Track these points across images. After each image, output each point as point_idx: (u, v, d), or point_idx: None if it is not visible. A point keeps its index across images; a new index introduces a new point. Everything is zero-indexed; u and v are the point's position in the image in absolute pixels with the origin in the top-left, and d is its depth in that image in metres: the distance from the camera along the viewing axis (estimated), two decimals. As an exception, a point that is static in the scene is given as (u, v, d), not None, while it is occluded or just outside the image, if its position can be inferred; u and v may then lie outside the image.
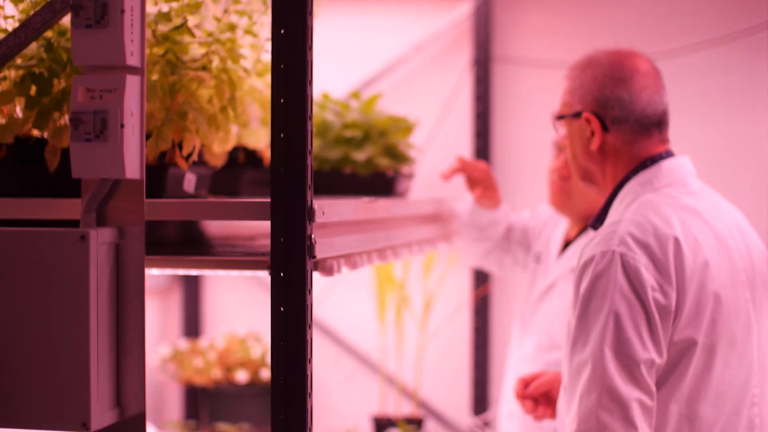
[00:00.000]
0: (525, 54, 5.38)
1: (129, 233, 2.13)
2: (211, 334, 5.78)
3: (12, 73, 2.40)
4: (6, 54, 2.20)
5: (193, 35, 2.35)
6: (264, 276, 2.77)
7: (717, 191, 2.68)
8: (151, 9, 2.43)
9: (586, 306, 2.37)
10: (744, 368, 2.48)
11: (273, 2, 2.10)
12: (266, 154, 3.06)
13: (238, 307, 5.70)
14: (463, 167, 3.58)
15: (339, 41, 5.55)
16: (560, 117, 2.64)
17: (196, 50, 2.48)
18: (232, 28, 2.52)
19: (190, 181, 2.54)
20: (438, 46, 5.50)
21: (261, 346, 5.37)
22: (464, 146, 5.30)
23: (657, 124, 2.57)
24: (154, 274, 3.26)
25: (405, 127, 3.63)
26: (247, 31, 2.55)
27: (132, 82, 2.07)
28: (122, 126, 2.05)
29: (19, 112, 2.44)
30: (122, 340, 2.14)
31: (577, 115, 2.57)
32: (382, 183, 3.53)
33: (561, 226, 3.43)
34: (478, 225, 3.58)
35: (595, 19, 5.26)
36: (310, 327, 2.12)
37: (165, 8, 2.37)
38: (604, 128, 2.54)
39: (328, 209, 2.23)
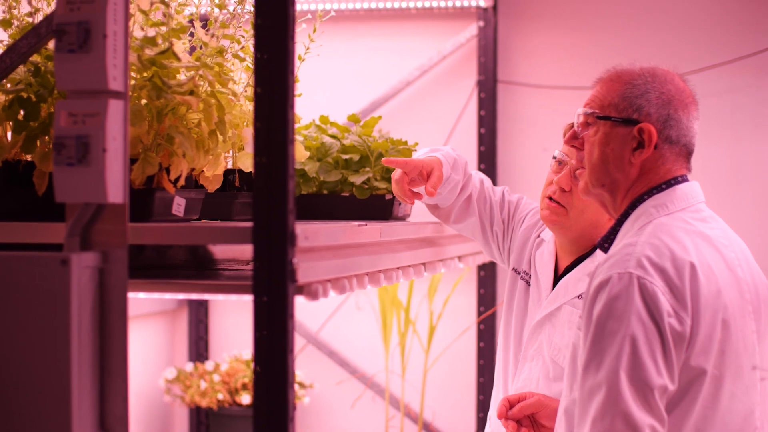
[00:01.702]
0: (529, 76, 5.39)
1: (112, 257, 2.13)
2: (218, 357, 5.79)
3: (1, 97, 2.41)
4: (-8, 79, 2.21)
5: (178, 59, 2.35)
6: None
7: (722, 211, 2.66)
8: (138, 33, 2.44)
9: (602, 328, 2.33)
10: (749, 399, 2.46)
11: (255, 27, 2.10)
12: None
13: (245, 329, 5.71)
14: (403, 173, 3.20)
15: (346, 64, 5.58)
16: (604, 117, 2.52)
17: (185, 74, 2.49)
18: (220, 52, 2.52)
19: (179, 205, 2.54)
20: (443, 68, 5.52)
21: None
22: (470, 167, 5.29)
23: (691, 153, 2.55)
24: (156, 297, 3.26)
25: (404, 150, 3.62)
26: (235, 56, 2.56)
27: (115, 107, 2.08)
28: (104, 150, 2.06)
29: (9, 136, 2.46)
30: (106, 363, 2.14)
31: (628, 121, 2.49)
32: (380, 206, 3.51)
33: (544, 247, 3.36)
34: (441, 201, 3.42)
35: (599, 43, 5.26)
36: (292, 352, 2.12)
37: (151, 33, 2.38)
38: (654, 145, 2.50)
39: (311, 234, 2.23)
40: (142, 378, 5.52)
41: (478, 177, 3.47)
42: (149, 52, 2.35)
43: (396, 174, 3.20)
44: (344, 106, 5.26)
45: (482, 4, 5.26)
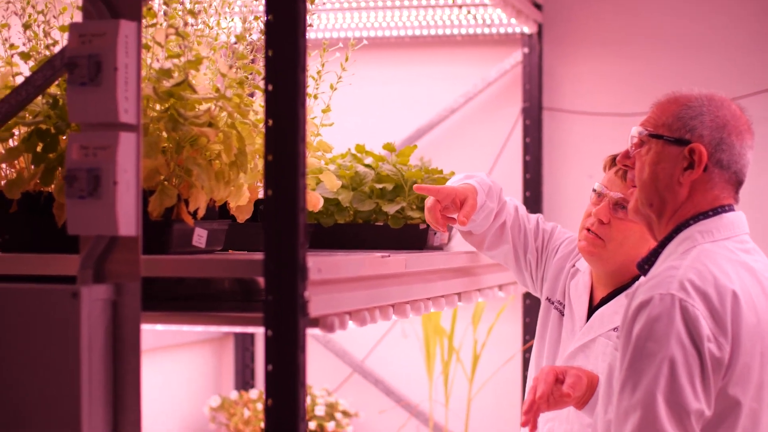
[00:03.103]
0: (574, 103, 5.36)
1: (126, 289, 2.13)
2: (262, 386, 5.79)
3: (20, 129, 2.43)
4: (8, 111, 2.22)
5: (194, 91, 2.35)
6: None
7: (765, 245, 2.63)
8: (158, 65, 2.45)
9: (640, 349, 2.31)
10: None
11: (265, 59, 2.09)
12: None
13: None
14: (435, 201, 3.18)
15: (391, 91, 5.57)
16: (656, 135, 2.52)
17: (205, 106, 2.49)
18: (241, 83, 2.52)
19: (200, 237, 2.53)
20: (488, 95, 5.50)
21: (309, 398, 5.36)
22: (515, 195, 5.27)
23: (741, 183, 2.53)
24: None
25: (438, 179, 3.59)
26: (255, 87, 2.55)
27: (126, 139, 2.08)
28: (115, 183, 2.06)
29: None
30: (119, 396, 2.14)
31: (680, 141, 2.48)
32: (414, 235, 3.49)
33: (579, 277, 3.33)
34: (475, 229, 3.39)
35: (645, 69, 5.22)
36: (304, 385, 2.10)
37: (167, 64, 2.38)
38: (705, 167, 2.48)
39: (325, 266, 2.21)
40: (187, 406, 5.53)
41: (513, 204, 3.45)
42: (167, 83, 2.35)
43: (429, 201, 3.18)
44: (389, 133, 5.25)
45: (527, 30, 5.24)
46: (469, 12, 5.05)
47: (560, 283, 3.36)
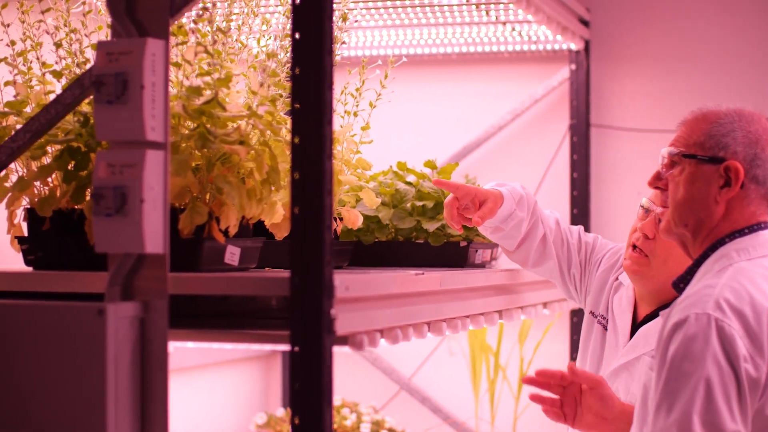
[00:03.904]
0: (622, 119, 5.32)
1: (153, 307, 2.13)
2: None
3: (52, 147, 2.44)
4: (38, 129, 2.24)
5: (224, 109, 2.35)
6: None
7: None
8: (192, 82, 2.45)
9: (676, 369, 2.28)
10: None
11: (291, 77, 2.09)
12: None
13: (342, 376, 5.69)
14: (454, 198, 3.14)
15: (439, 108, 5.56)
16: (690, 155, 2.48)
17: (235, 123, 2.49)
18: (273, 101, 2.52)
19: (233, 254, 2.53)
20: (535, 112, 5.47)
21: (355, 415, 5.35)
22: (563, 212, 5.24)
23: None
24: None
25: (481, 196, 3.58)
26: (288, 105, 2.55)
27: (153, 157, 2.09)
28: (142, 201, 2.07)
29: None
30: (146, 413, 2.14)
31: (714, 159, 2.45)
32: (454, 253, 3.48)
33: (623, 292, 3.28)
34: (500, 232, 3.30)
35: (693, 85, 5.17)
36: (330, 403, 2.09)
37: (197, 82, 2.39)
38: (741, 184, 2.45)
39: (353, 284, 2.20)
40: (234, 422, 5.54)
41: (554, 217, 3.42)
42: (197, 101, 2.35)
43: (447, 198, 3.16)
44: (436, 151, 5.23)
45: (573, 47, 5.21)
46: (513, 29, 5.03)
47: (603, 297, 3.33)
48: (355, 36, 5.13)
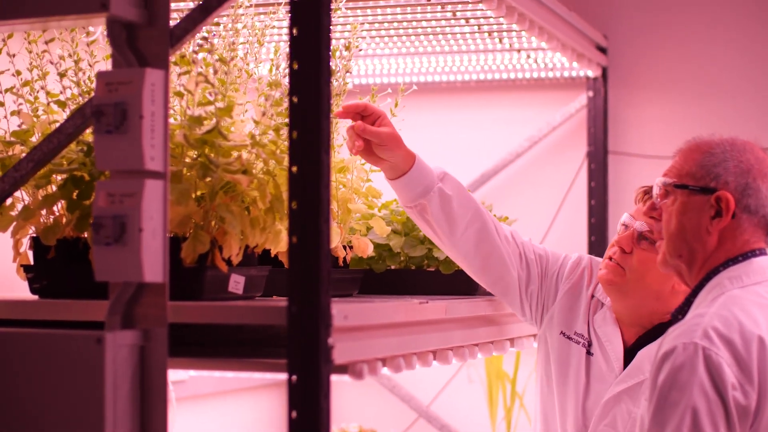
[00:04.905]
0: (640, 146, 5.31)
1: (153, 335, 2.14)
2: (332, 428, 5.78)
3: (55, 176, 2.46)
4: (41, 159, 2.26)
5: (225, 138, 2.37)
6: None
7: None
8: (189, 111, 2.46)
9: (664, 398, 2.30)
10: None
11: (289, 105, 2.10)
12: (338, 252, 3.06)
13: (360, 402, 5.69)
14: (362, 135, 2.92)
15: (457, 135, 5.56)
16: (681, 186, 2.49)
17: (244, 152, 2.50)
18: (277, 130, 2.53)
19: (237, 283, 2.54)
20: (552, 139, 5.46)
21: (373, 442, 5.35)
22: (580, 240, 5.23)
23: None
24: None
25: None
26: (291, 134, 2.56)
27: (152, 187, 2.10)
28: (140, 230, 2.08)
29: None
30: (146, 440, 2.15)
31: (705, 190, 2.46)
32: (465, 281, 3.47)
33: (606, 314, 3.19)
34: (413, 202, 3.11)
35: (711, 112, 5.16)
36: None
37: (198, 111, 2.40)
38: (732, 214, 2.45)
39: (352, 313, 2.20)
40: (252, 449, 5.54)
41: (509, 229, 3.23)
42: (198, 131, 2.37)
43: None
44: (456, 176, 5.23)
45: (591, 74, 5.20)
46: (529, 56, 5.03)
47: (579, 317, 3.22)
48: (371, 64, 5.14)
